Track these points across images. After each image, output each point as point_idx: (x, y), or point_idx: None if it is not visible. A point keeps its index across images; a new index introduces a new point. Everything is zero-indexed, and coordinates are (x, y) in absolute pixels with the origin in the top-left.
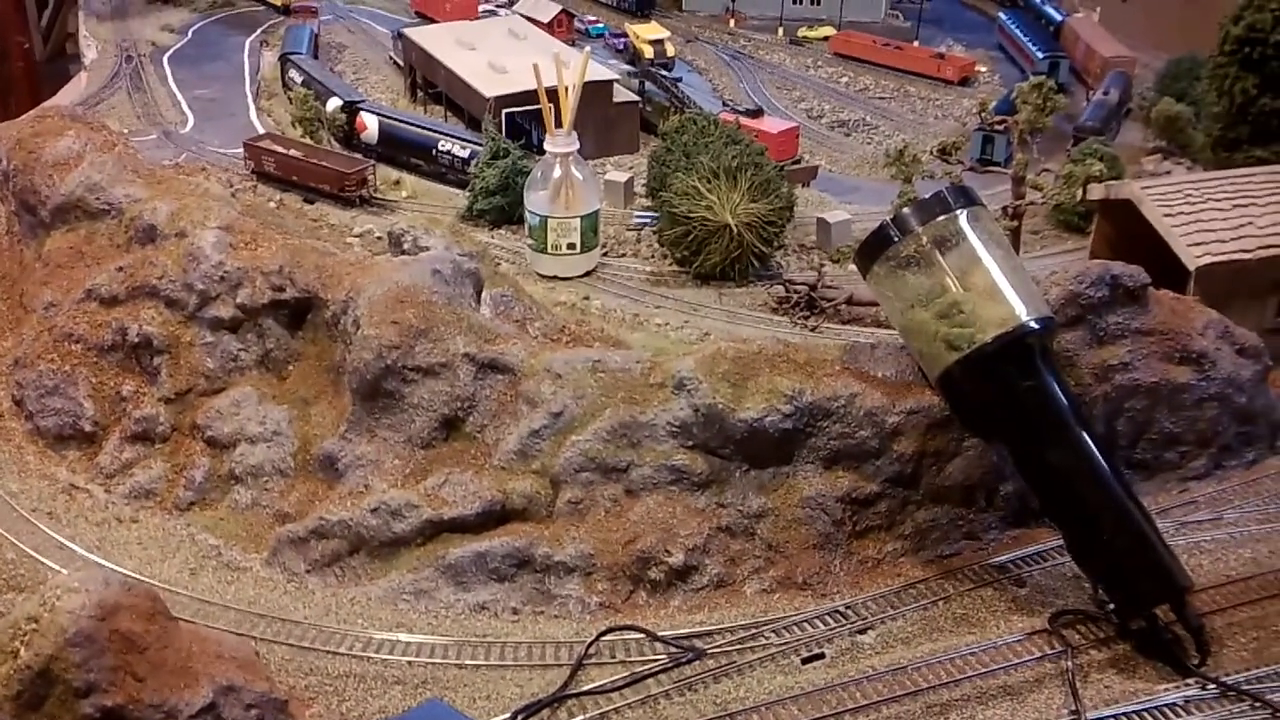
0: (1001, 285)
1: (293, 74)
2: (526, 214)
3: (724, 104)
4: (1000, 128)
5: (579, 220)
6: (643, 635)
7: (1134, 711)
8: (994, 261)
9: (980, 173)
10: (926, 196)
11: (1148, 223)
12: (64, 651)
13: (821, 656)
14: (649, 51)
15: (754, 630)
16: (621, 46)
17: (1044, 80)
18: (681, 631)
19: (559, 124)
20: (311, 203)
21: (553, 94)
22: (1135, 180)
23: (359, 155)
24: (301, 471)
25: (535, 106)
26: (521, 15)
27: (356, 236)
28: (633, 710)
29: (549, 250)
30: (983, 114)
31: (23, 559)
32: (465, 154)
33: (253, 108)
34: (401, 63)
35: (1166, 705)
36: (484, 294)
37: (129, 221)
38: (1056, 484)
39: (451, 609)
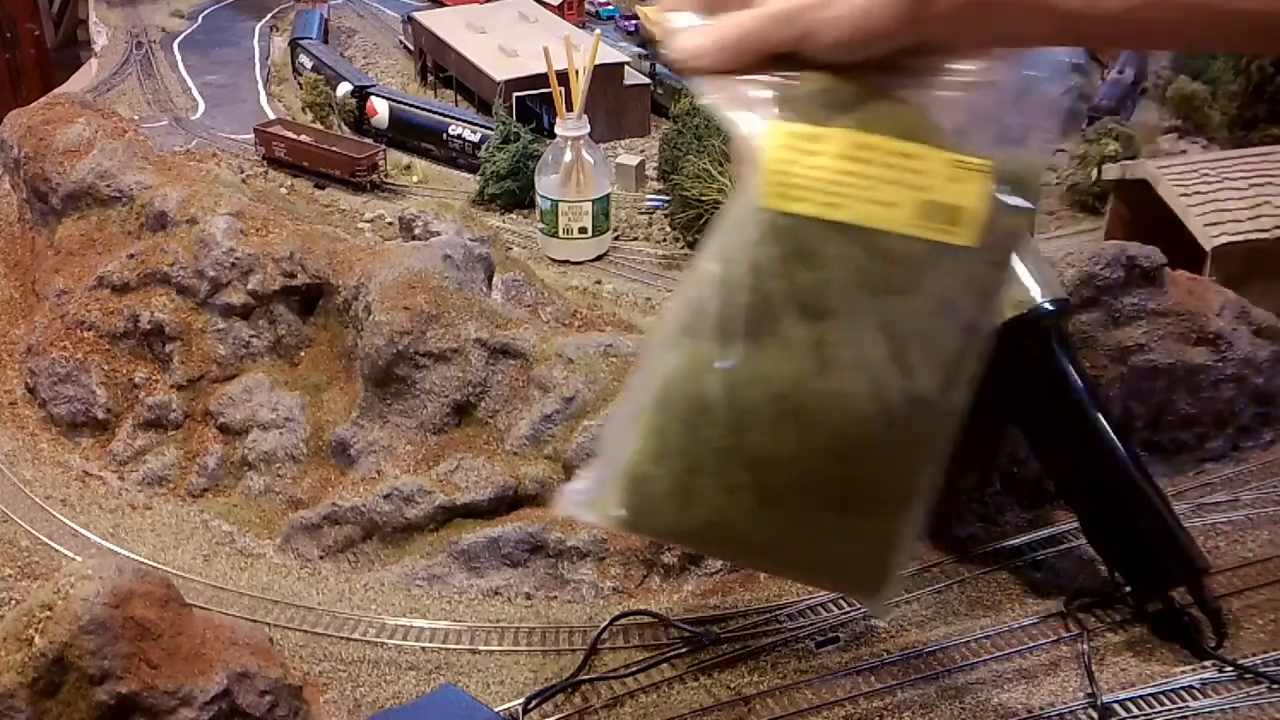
0: (1016, 267)
1: (303, 59)
2: (537, 198)
3: None
4: None
5: (590, 204)
6: (656, 620)
7: (1150, 694)
8: None
9: None
10: None
11: (1164, 203)
12: (78, 639)
13: (836, 640)
14: (660, 33)
15: (768, 614)
16: (633, 29)
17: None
18: (695, 616)
19: (570, 107)
20: (322, 188)
21: (563, 77)
22: (1151, 159)
23: (369, 140)
24: (314, 458)
25: (545, 90)
26: None
27: (368, 222)
28: (646, 694)
29: (560, 234)
30: None
31: (37, 546)
32: (476, 138)
33: (263, 93)
34: (411, 47)
35: (1183, 688)
36: (495, 279)
37: (140, 208)
38: (1072, 466)
39: (465, 594)
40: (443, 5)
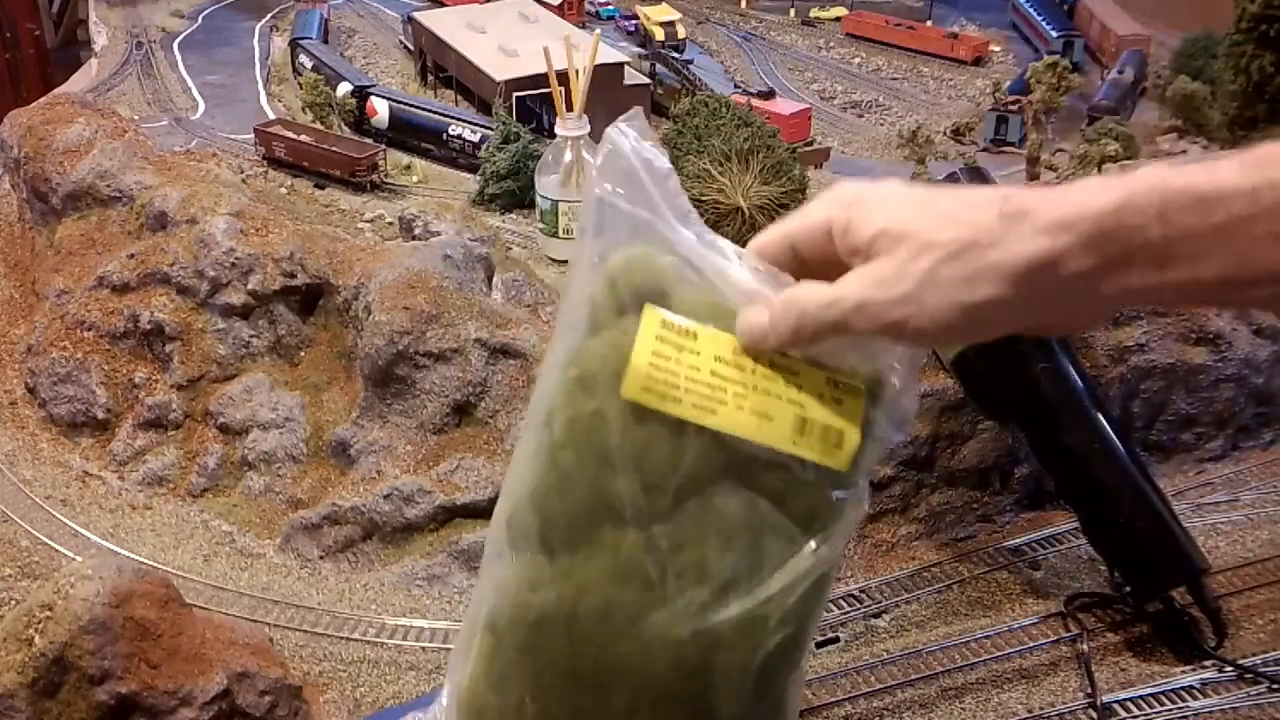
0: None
1: (303, 59)
2: (537, 198)
3: (735, 86)
4: (1014, 108)
5: None
6: None
7: (1150, 694)
8: None
9: (994, 153)
10: (940, 178)
11: None
12: (78, 639)
13: (836, 640)
14: (660, 33)
15: None
16: (632, 29)
17: (1058, 59)
18: None
19: (570, 107)
20: (322, 188)
21: (563, 77)
22: (1151, 160)
23: (369, 140)
24: (314, 458)
25: (545, 90)
26: None
27: (368, 222)
28: None
29: (560, 234)
30: (996, 94)
31: (37, 546)
32: (476, 138)
33: (263, 93)
34: (411, 47)
35: (1183, 688)
36: (495, 279)
37: (140, 208)
38: (1072, 466)
39: (465, 594)
40: (443, 5)
